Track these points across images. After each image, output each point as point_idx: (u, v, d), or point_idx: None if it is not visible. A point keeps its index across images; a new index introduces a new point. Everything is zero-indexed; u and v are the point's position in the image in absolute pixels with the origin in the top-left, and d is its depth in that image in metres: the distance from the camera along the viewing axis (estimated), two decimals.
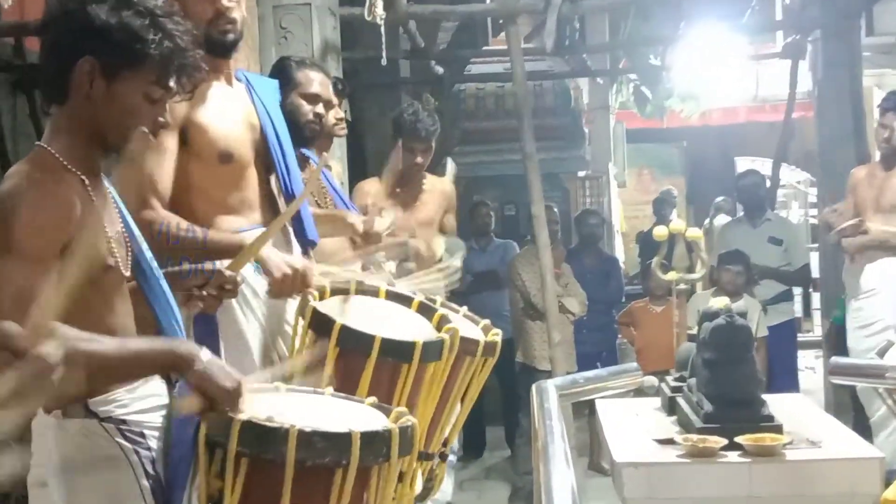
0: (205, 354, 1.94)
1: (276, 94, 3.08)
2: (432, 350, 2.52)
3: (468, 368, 2.83)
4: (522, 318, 6.61)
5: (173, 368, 1.98)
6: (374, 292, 2.73)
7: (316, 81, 3.48)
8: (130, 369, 1.94)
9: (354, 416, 2.11)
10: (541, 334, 6.39)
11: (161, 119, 2.04)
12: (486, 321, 2.99)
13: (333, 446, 1.92)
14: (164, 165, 2.74)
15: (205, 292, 2.25)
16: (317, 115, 3.43)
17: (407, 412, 2.12)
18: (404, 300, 2.75)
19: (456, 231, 5.24)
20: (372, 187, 4.80)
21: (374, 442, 1.97)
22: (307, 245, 2.99)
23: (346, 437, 1.93)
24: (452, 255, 4.05)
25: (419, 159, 4.89)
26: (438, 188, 5.08)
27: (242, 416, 1.92)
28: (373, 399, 2.21)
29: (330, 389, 2.25)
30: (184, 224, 2.69)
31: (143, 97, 2.00)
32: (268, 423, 1.92)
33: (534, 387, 3.26)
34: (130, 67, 1.99)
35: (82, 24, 1.97)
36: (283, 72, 3.49)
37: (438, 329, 2.64)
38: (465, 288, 6.41)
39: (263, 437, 1.91)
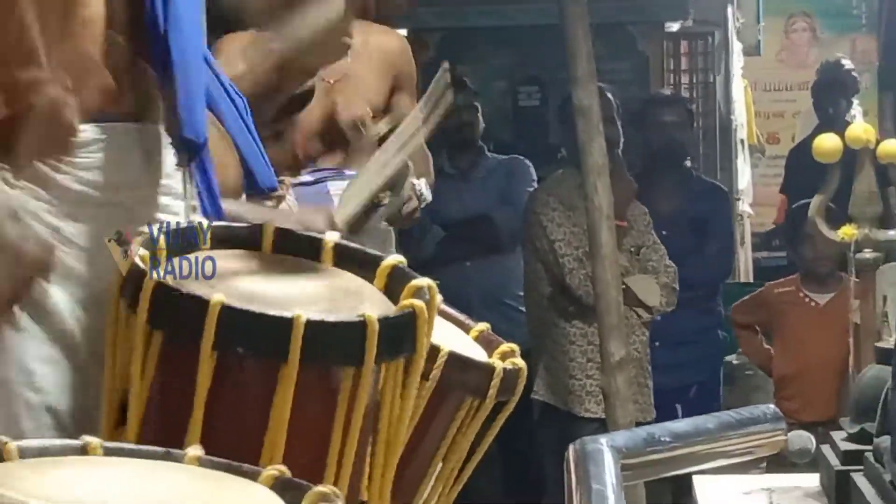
0: None
1: None
2: (337, 337, 2.29)
3: (458, 420, 2.78)
4: (548, 316, 6.43)
5: None
6: (247, 240, 2.63)
7: None
8: None
9: None
10: (584, 347, 6.26)
11: None
12: (484, 325, 2.99)
13: None
14: None
15: None
16: None
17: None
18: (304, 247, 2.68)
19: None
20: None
21: None
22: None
23: None
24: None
25: None
26: (375, 43, 4.99)
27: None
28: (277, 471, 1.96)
29: (196, 452, 2.03)
30: None
31: None
32: None
33: (571, 448, 3.22)
34: None
35: None
36: None
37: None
38: (430, 252, 6.77)
39: None
